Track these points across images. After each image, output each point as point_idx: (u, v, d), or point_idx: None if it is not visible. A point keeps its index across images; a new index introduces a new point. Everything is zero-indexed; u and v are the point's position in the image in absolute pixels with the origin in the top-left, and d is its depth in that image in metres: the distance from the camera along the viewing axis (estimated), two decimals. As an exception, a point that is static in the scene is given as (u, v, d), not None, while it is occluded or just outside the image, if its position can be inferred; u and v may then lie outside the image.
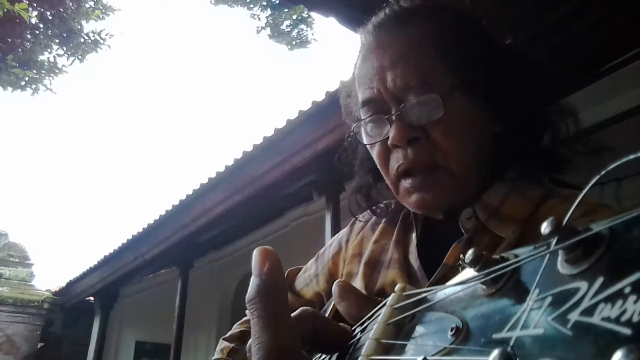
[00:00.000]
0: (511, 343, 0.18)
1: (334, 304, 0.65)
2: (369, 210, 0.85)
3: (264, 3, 9.41)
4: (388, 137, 0.68)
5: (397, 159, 0.69)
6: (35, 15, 7.90)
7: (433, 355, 0.22)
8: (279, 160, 4.40)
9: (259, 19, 9.71)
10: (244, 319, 0.96)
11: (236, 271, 7.72)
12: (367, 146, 0.74)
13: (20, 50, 7.81)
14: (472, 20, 0.75)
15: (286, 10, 9.46)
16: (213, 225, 5.69)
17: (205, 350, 7.68)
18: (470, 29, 0.73)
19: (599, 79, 3.42)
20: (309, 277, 0.93)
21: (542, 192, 0.68)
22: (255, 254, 0.37)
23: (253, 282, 0.35)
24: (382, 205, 0.83)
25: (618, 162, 0.19)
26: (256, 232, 6.91)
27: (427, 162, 0.67)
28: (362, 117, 0.73)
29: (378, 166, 0.73)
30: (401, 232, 0.79)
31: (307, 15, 9.58)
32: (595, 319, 0.16)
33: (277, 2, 9.34)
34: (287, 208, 6.25)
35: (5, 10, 5.95)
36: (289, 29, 9.80)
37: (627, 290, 0.15)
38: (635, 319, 0.15)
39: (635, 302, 0.15)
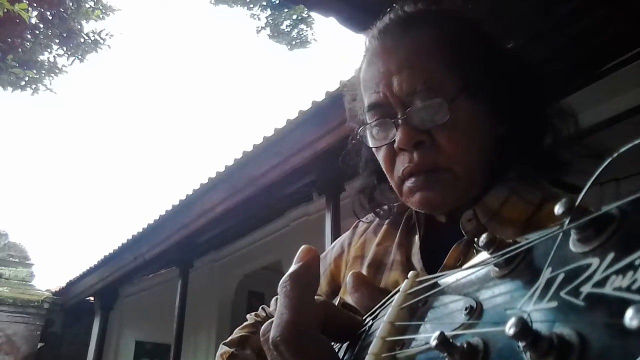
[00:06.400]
0: (526, 314, 0.19)
1: (338, 302, 0.66)
2: (372, 212, 0.86)
3: (264, 3, 9.42)
4: (394, 140, 0.69)
5: (402, 162, 0.69)
6: (35, 15, 7.90)
7: (449, 332, 0.23)
8: (278, 160, 4.40)
9: (259, 19, 9.73)
10: (245, 324, 0.96)
11: (236, 271, 7.72)
12: (373, 149, 0.75)
13: (20, 50, 7.81)
14: (475, 24, 0.76)
15: (286, 10, 9.46)
16: (213, 225, 5.69)
17: (205, 351, 7.67)
18: (473, 33, 0.74)
19: (599, 79, 3.43)
20: None
21: (542, 195, 0.69)
22: (300, 250, 0.40)
23: (290, 268, 0.39)
24: (385, 207, 0.84)
25: (622, 150, 0.20)
26: (256, 232, 6.90)
27: (432, 165, 0.68)
28: (368, 121, 0.73)
29: (383, 169, 0.74)
30: (404, 234, 0.80)
31: (307, 15, 9.59)
32: (607, 290, 0.16)
33: (277, 2, 9.35)
34: (287, 208, 6.25)
35: (5, 10, 5.95)
36: (289, 29, 9.81)
37: (638, 262, 0.16)
38: None
39: None
